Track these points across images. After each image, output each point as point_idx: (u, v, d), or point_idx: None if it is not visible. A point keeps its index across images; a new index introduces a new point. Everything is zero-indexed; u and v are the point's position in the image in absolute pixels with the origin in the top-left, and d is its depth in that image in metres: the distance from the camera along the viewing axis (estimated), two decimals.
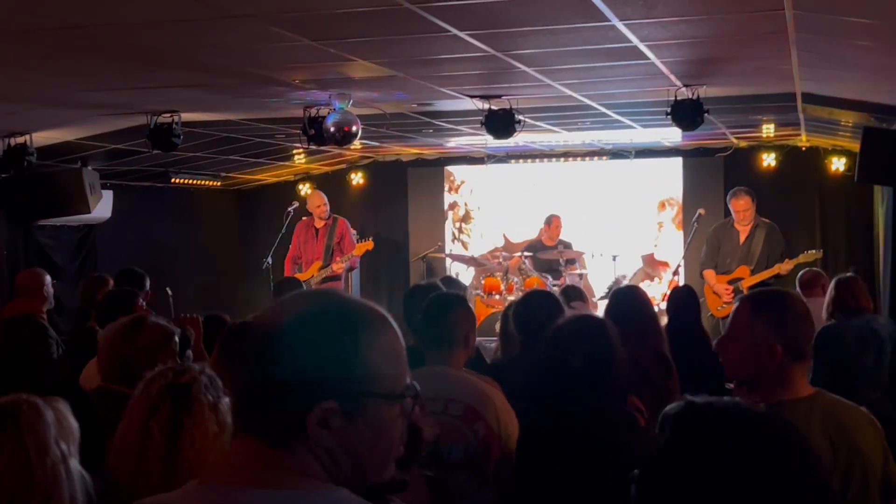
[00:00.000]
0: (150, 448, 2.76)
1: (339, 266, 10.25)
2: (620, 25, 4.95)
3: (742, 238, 9.34)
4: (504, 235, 13.23)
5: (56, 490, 2.20)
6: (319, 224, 10.47)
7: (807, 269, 8.06)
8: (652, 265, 12.77)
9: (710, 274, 9.45)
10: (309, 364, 1.48)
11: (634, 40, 5.36)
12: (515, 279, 11.21)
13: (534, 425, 3.49)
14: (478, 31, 5.12)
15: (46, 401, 2.40)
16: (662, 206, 13.01)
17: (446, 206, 13.70)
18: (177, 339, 4.07)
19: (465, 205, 13.69)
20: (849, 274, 6.45)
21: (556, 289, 10.98)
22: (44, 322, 6.82)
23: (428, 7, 4.51)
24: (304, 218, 10.68)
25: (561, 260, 11.28)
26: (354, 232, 12.70)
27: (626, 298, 5.51)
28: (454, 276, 10.21)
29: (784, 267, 9.04)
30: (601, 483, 3.21)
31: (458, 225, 13.68)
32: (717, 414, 1.58)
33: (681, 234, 12.77)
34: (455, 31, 5.05)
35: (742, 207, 9.27)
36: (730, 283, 9.29)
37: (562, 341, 3.41)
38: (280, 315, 1.54)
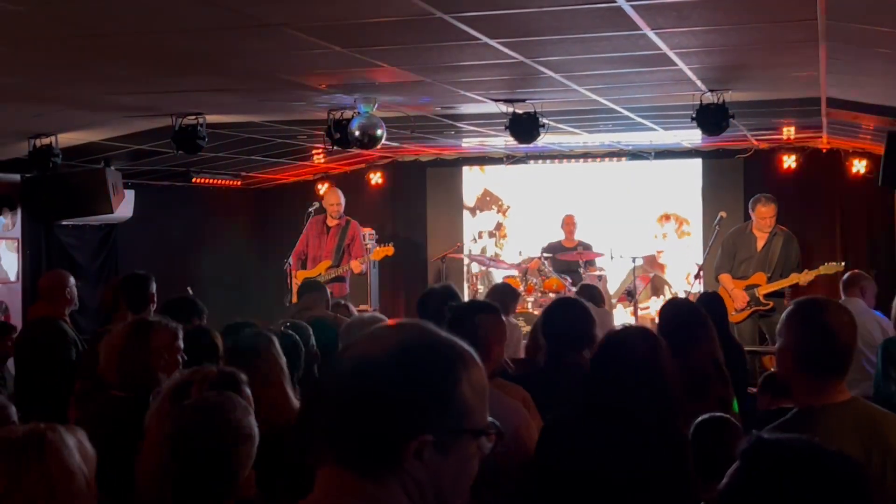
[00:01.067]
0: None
1: (358, 267, 10.24)
2: (652, 34, 4.96)
3: (760, 245, 9.32)
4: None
5: None
6: (332, 223, 10.43)
7: (852, 270, 7.90)
8: (652, 265, 12.77)
9: (726, 278, 9.43)
10: (414, 397, 1.49)
11: (664, 48, 5.37)
12: (535, 280, 11.22)
13: (575, 436, 3.48)
14: (508, 40, 5.14)
15: (67, 429, 2.42)
16: (666, 218, 13.00)
17: (478, 219, 13.67)
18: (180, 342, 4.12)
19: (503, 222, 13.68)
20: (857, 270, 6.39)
21: (574, 290, 11.03)
22: (64, 326, 6.83)
23: (462, 17, 4.54)
24: (317, 214, 10.63)
25: (580, 261, 11.29)
26: (372, 232, 12.79)
27: (677, 308, 5.52)
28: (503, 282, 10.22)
29: (803, 278, 9.01)
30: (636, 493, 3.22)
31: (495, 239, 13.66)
32: (785, 451, 1.59)
33: (682, 242, 12.81)
34: (486, 40, 5.07)
35: (769, 214, 9.24)
36: (746, 289, 9.27)
37: (611, 355, 3.41)
38: (379, 345, 1.54)
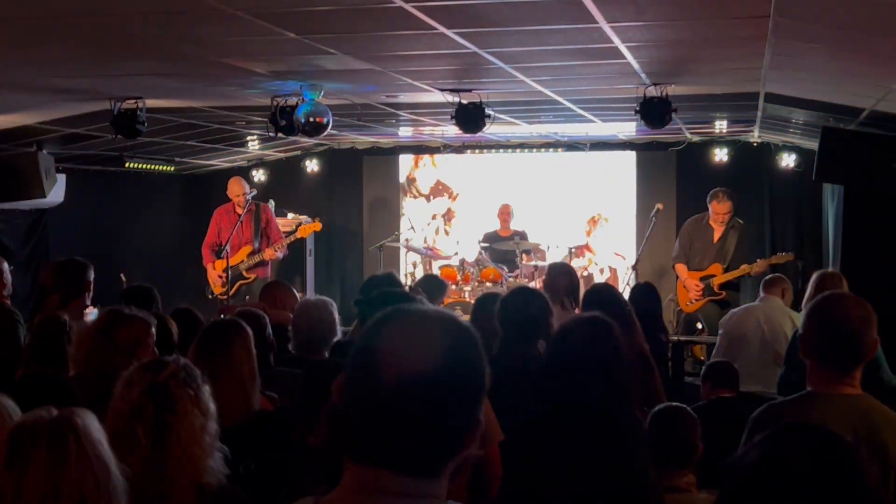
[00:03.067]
0: (135, 452, 2.75)
1: (272, 253, 10.17)
2: (607, 27, 5.00)
3: (716, 237, 9.52)
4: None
5: (115, 494, 2.19)
6: (241, 211, 10.27)
7: (773, 275, 8.11)
8: (580, 253, 12.97)
9: (682, 268, 9.63)
10: (471, 403, 1.52)
11: (617, 41, 5.42)
12: (472, 269, 11.27)
13: (534, 423, 3.51)
14: (465, 30, 5.14)
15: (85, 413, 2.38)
16: (593, 222, 13.19)
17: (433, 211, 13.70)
18: (153, 331, 4.06)
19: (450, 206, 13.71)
20: (831, 270, 6.55)
21: (512, 280, 11.12)
22: (9, 306, 6.68)
23: (421, 6, 4.53)
24: (224, 205, 10.48)
25: (517, 251, 11.36)
26: (308, 220, 12.69)
27: (603, 296, 5.59)
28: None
29: (755, 268, 9.22)
30: (605, 488, 3.27)
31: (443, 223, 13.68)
32: (812, 439, 1.63)
33: (603, 231, 13.05)
34: (442, 29, 5.06)
35: (722, 210, 9.47)
36: (701, 279, 9.46)
37: (570, 342, 3.44)
38: (428, 351, 1.51)
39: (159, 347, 4.24)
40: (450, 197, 13.73)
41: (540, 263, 11.70)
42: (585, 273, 12.38)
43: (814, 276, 6.66)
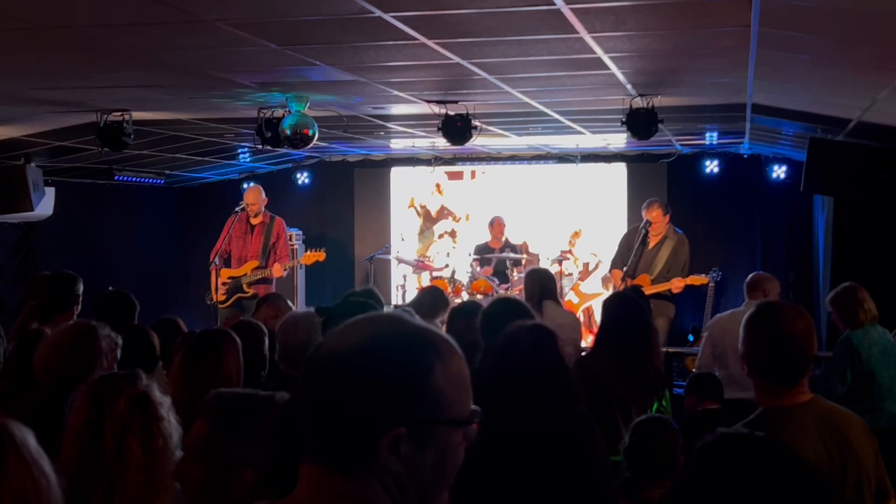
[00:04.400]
0: (130, 467, 2.74)
1: (279, 271, 10.09)
2: (588, 38, 5.00)
3: (650, 246, 9.51)
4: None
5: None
6: (255, 221, 10.23)
7: (755, 272, 8.05)
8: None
9: (616, 274, 9.70)
10: (382, 390, 1.46)
11: (599, 52, 5.42)
12: (463, 281, 11.25)
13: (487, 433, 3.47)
14: (447, 40, 5.14)
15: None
16: (576, 235, 13.21)
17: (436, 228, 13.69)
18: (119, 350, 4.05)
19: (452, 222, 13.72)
20: (848, 284, 6.44)
21: (502, 291, 11.09)
22: None
23: (401, 17, 4.52)
24: (238, 212, 10.39)
25: (507, 262, 11.34)
26: (299, 233, 12.68)
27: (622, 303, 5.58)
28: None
29: (674, 284, 9.18)
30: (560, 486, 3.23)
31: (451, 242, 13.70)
32: (749, 446, 1.60)
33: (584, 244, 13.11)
34: (424, 40, 5.06)
35: (652, 218, 9.47)
36: (623, 282, 9.47)
37: (511, 350, 3.43)
38: (349, 339, 1.51)
39: (141, 358, 4.22)
40: (454, 219, 13.76)
41: None
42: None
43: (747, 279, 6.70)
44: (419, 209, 13.73)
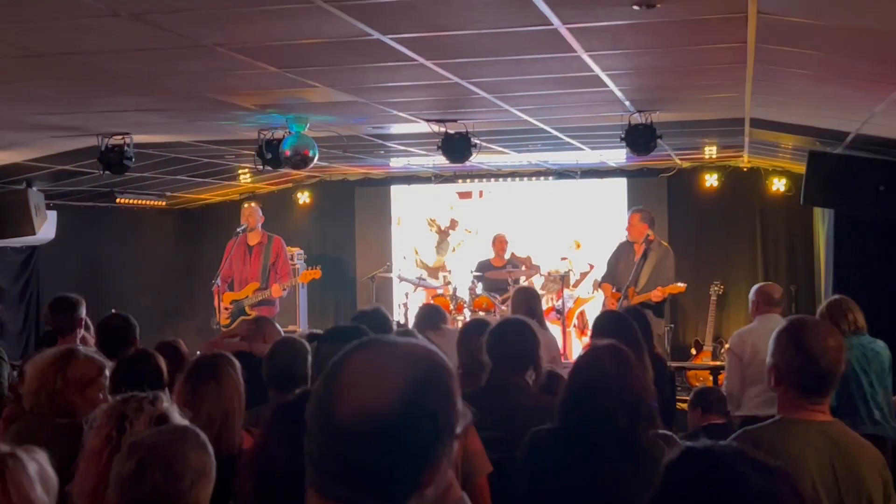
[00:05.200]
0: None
1: (278, 292, 10.07)
2: (586, 56, 5.03)
3: (636, 258, 9.52)
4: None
5: None
6: (253, 241, 10.22)
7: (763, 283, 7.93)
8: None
9: (606, 288, 9.70)
10: (429, 438, 1.47)
11: (597, 70, 5.45)
12: (465, 299, 11.26)
13: (556, 439, 3.50)
14: (445, 61, 5.17)
15: (28, 452, 2.36)
16: (578, 245, 13.28)
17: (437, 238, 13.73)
18: (107, 373, 4.05)
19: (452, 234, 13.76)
20: (839, 296, 6.47)
21: (504, 309, 11.09)
22: None
23: (399, 38, 4.55)
24: (239, 234, 10.37)
25: (509, 279, 11.35)
26: (300, 252, 12.69)
27: (615, 323, 5.60)
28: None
29: (654, 294, 9.17)
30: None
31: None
32: (712, 461, 1.60)
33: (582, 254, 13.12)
34: (422, 61, 5.09)
35: (629, 224, 9.49)
36: (619, 300, 9.46)
37: (600, 370, 3.44)
38: (384, 387, 1.47)
39: (148, 382, 4.22)
40: (466, 231, 13.83)
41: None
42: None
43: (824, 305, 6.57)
44: (431, 223, 13.77)
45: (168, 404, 2.99)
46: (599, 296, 10.52)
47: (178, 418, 2.93)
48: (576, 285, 13.01)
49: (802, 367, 2.99)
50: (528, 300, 7.01)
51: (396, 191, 13.70)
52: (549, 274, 12.93)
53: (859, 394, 5.98)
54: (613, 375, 3.39)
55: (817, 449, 2.91)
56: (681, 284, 9.45)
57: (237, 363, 3.95)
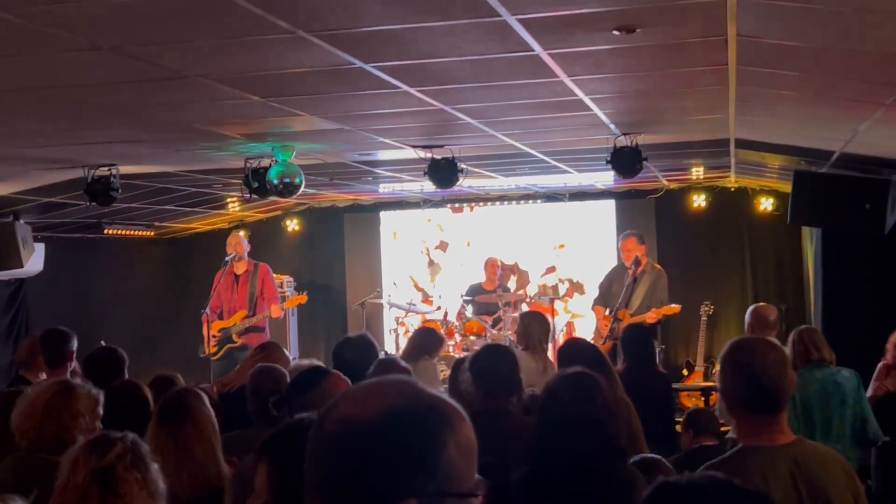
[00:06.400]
0: None
1: (278, 312, 10.11)
2: (568, 81, 5.05)
3: (629, 280, 9.54)
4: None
5: None
6: (240, 270, 10.24)
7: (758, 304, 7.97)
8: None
9: (598, 310, 9.77)
10: (397, 465, 1.45)
11: (580, 94, 5.47)
12: (456, 323, 11.25)
13: (526, 483, 3.48)
14: (428, 88, 5.18)
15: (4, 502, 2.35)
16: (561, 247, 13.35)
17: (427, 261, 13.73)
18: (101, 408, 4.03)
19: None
20: (806, 326, 6.51)
21: (495, 332, 11.09)
22: None
23: (382, 67, 4.56)
24: (227, 263, 10.38)
25: (500, 303, 11.34)
26: (290, 280, 12.67)
27: (577, 349, 5.59)
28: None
29: (648, 316, 9.18)
30: None
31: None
32: (689, 495, 1.61)
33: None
34: (406, 88, 5.10)
35: (624, 248, 9.56)
36: (613, 321, 9.48)
37: (558, 401, 3.42)
38: (364, 407, 1.50)
39: (134, 414, 4.20)
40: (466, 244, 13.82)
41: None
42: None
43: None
44: (424, 246, 13.77)
45: (133, 437, 2.98)
46: (591, 316, 10.54)
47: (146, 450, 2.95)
48: (566, 295, 13.03)
49: (746, 386, 2.96)
50: (540, 322, 7.00)
51: (386, 216, 13.69)
52: (539, 289, 12.96)
53: (821, 431, 5.99)
54: (573, 409, 3.36)
55: (781, 478, 2.88)
56: (675, 305, 9.48)
57: (201, 393, 3.95)
